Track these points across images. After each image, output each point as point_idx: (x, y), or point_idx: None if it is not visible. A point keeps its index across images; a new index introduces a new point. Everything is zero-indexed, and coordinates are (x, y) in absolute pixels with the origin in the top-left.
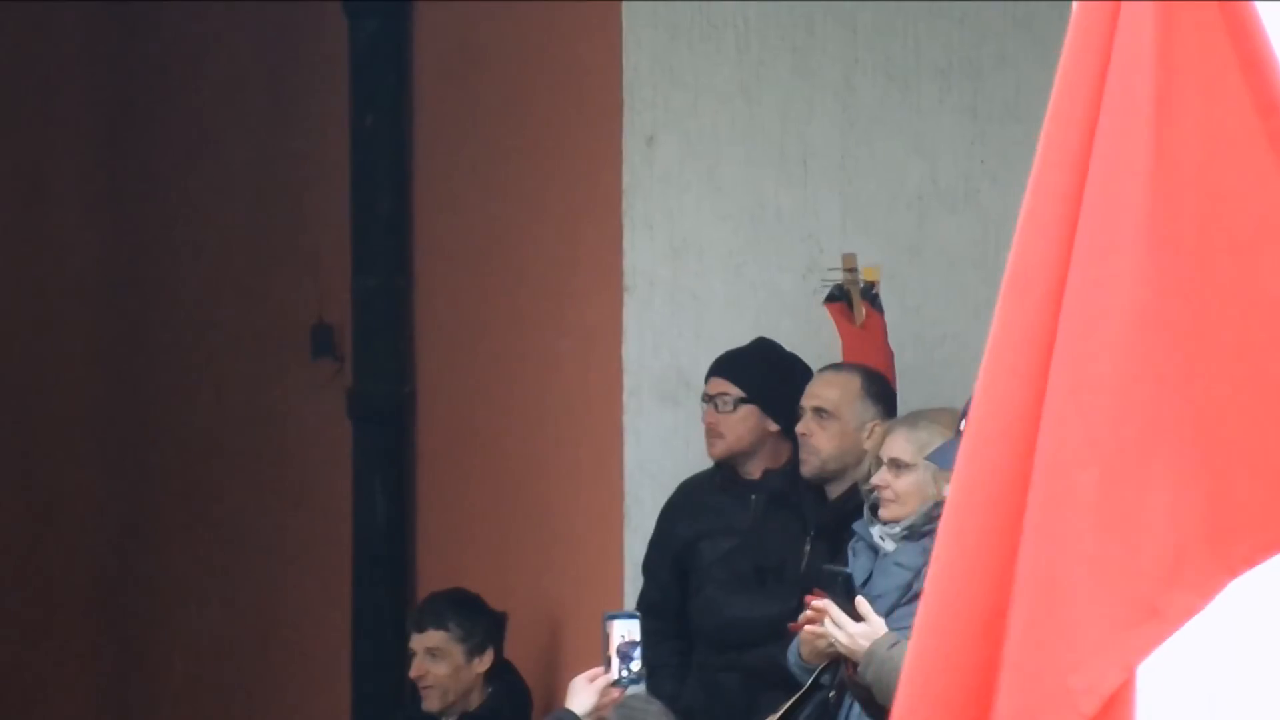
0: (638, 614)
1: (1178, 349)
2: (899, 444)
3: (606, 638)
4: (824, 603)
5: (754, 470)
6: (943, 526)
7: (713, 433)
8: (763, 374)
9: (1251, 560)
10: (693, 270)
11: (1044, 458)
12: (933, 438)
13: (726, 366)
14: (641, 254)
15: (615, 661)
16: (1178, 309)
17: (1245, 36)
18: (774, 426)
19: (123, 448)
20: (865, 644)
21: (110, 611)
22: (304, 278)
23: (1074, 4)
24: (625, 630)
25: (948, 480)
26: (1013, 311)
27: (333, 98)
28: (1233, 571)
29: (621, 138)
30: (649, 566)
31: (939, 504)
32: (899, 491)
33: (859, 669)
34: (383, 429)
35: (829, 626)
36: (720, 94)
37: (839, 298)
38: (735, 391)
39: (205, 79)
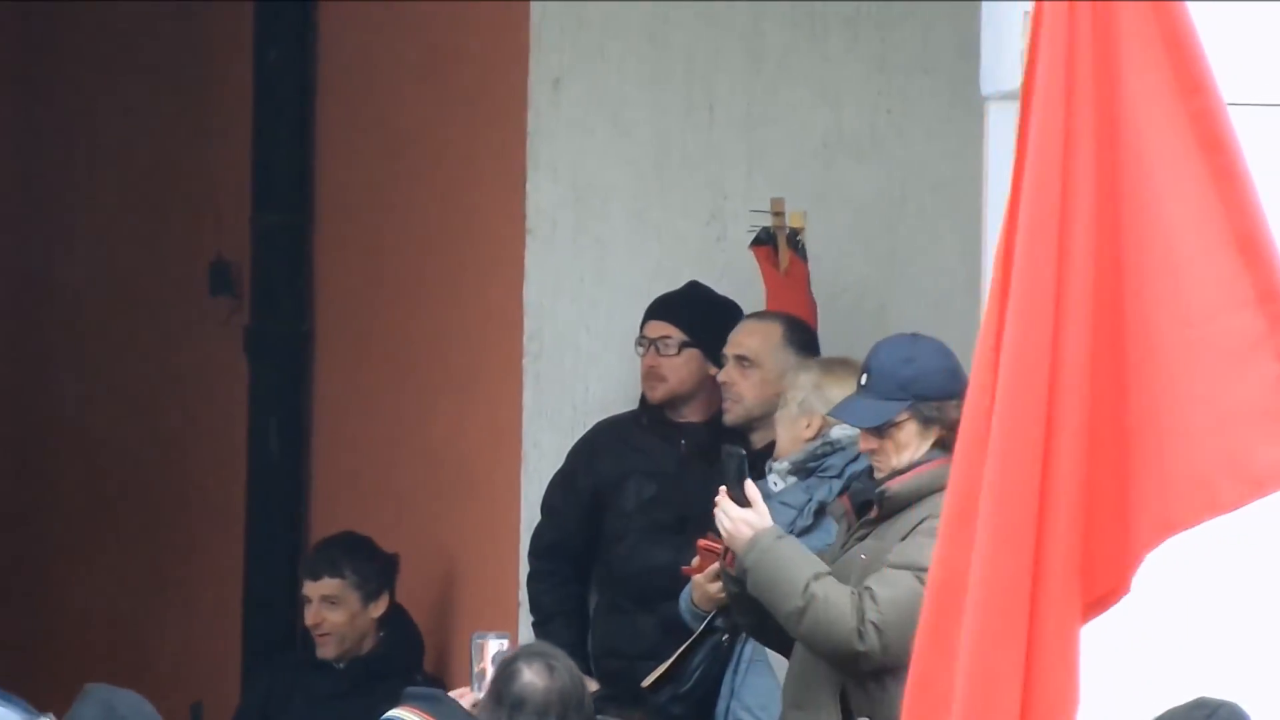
0: (507, 634)
1: (1116, 328)
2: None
3: (478, 656)
4: (719, 501)
5: (688, 414)
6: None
7: (654, 375)
8: (704, 317)
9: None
10: (596, 214)
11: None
12: (814, 378)
13: (668, 309)
14: (545, 197)
15: (487, 681)
16: (1120, 291)
17: (1171, 24)
18: (714, 370)
19: (17, 380)
20: (748, 531)
21: (2, 541)
22: (203, 214)
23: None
24: (496, 649)
25: (818, 420)
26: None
27: (236, 35)
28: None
29: (528, 80)
30: (552, 506)
31: (825, 443)
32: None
33: (739, 556)
34: (280, 367)
35: (716, 512)
36: (627, 38)
37: (765, 241)
38: (678, 334)
39: (107, 18)
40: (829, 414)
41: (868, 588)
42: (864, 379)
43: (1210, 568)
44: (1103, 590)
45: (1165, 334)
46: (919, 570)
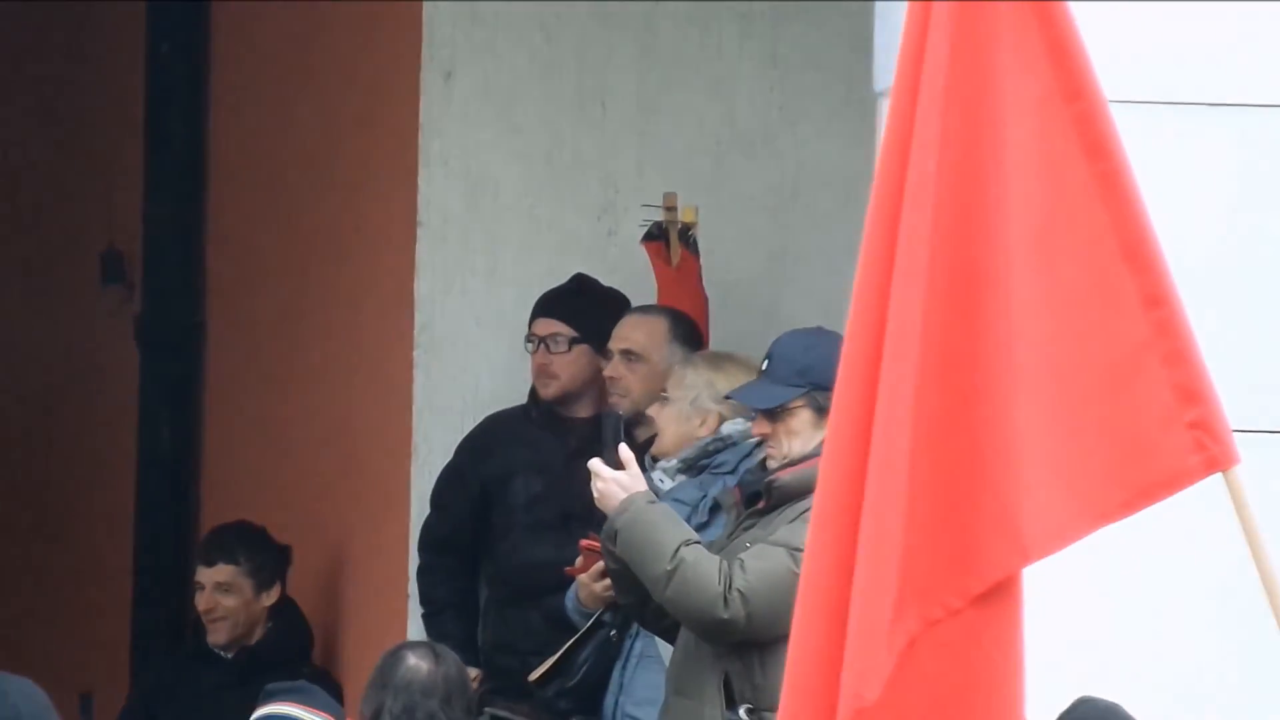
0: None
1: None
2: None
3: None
4: (592, 464)
5: (579, 410)
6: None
7: (545, 373)
8: (593, 313)
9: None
10: (487, 209)
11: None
12: (704, 375)
13: (555, 306)
14: (436, 190)
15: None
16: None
17: (1053, 26)
18: (604, 364)
19: None
20: (621, 493)
21: None
22: (95, 203)
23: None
24: None
25: (708, 412)
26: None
27: (128, 24)
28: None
29: (420, 72)
30: (442, 500)
31: (714, 440)
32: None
33: (611, 516)
34: (171, 357)
35: (592, 470)
36: (520, 32)
37: (657, 236)
38: (567, 331)
39: None
40: (727, 394)
41: (739, 559)
42: (765, 364)
43: (1093, 569)
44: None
45: (1049, 341)
46: (794, 549)
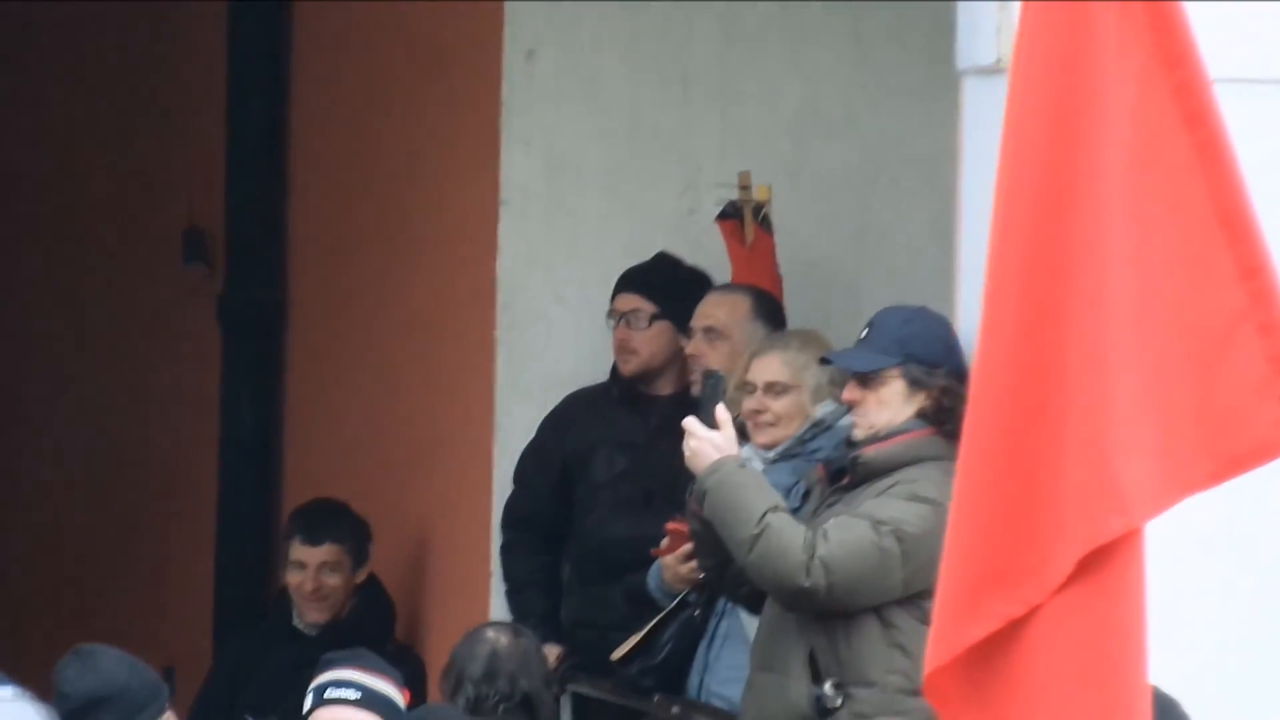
0: None
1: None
2: (774, 366)
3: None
4: (687, 422)
5: (661, 387)
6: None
7: (625, 349)
8: (674, 289)
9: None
10: (569, 187)
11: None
12: (809, 358)
13: (638, 282)
14: (518, 169)
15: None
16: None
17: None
18: (685, 342)
19: None
20: (714, 453)
21: None
22: (176, 182)
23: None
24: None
25: (823, 399)
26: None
27: (212, 5)
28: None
29: (502, 51)
30: (524, 477)
31: (813, 425)
32: (779, 413)
33: (700, 476)
34: (252, 336)
35: (686, 429)
36: (602, 11)
37: (731, 215)
38: (649, 307)
39: None
40: (824, 355)
41: (823, 528)
42: (864, 333)
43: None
44: (1068, 568)
45: (1145, 308)
46: (878, 521)
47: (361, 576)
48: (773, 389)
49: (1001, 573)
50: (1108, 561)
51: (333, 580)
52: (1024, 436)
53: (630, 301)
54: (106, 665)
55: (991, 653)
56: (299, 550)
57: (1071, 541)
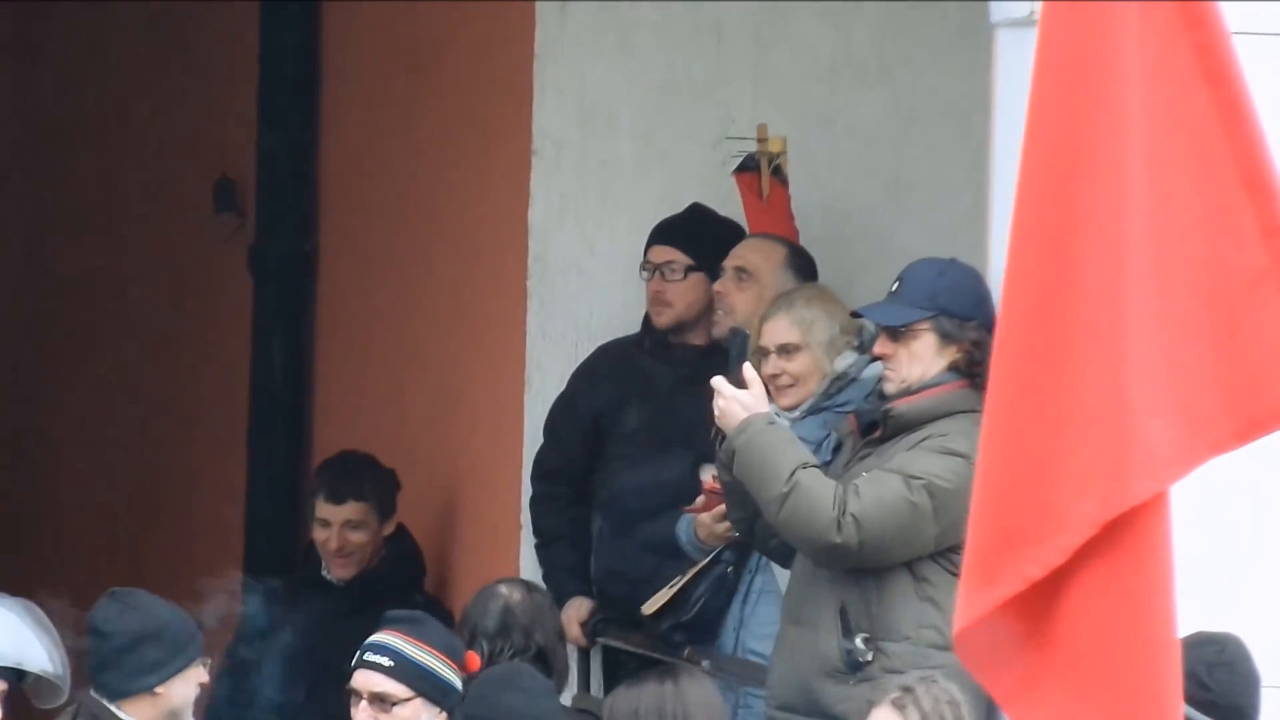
0: None
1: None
2: (783, 328)
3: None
4: (715, 381)
5: (693, 338)
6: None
7: (660, 301)
8: (709, 241)
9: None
10: (602, 137)
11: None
12: (816, 315)
13: (672, 234)
14: (551, 119)
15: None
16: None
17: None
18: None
19: (20, 296)
20: (742, 412)
21: (4, 460)
22: (208, 132)
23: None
24: None
25: (839, 351)
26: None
27: None
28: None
29: (535, 1)
30: (554, 429)
31: (835, 379)
32: (796, 374)
33: (729, 435)
34: (283, 286)
35: (714, 388)
36: None
37: (750, 168)
38: (683, 259)
39: None
40: (854, 310)
41: (854, 484)
42: (895, 286)
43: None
44: (1090, 530)
45: (1169, 271)
46: (909, 476)
47: (389, 529)
48: (785, 350)
49: (1023, 534)
50: (1135, 523)
51: (357, 537)
52: (1047, 397)
53: (664, 254)
54: (148, 604)
55: (1021, 613)
56: (324, 508)
57: (1094, 504)
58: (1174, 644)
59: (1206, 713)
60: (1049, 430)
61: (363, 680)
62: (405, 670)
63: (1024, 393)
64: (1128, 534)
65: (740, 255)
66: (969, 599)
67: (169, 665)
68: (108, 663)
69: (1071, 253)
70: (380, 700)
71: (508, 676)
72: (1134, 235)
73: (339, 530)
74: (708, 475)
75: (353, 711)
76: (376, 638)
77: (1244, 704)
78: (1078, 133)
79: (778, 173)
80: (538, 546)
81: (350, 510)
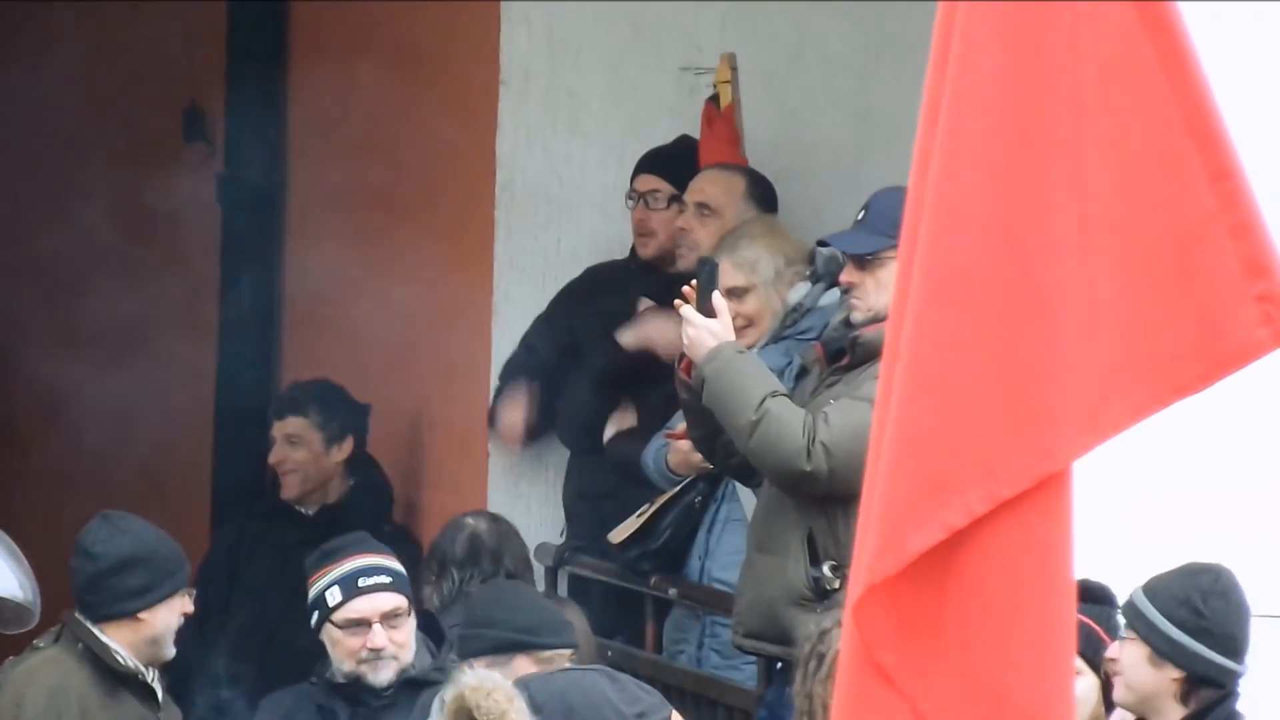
0: None
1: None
2: (728, 272)
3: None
4: (683, 310)
5: (681, 265)
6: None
7: (644, 230)
8: (694, 171)
9: (1118, 426)
10: (570, 66)
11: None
12: (757, 253)
13: (657, 163)
14: (519, 49)
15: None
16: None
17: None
18: None
19: None
20: (711, 340)
21: None
22: (177, 61)
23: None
24: None
25: (787, 283)
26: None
27: None
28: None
29: None
30: (530, 340)
31: (791, 311)
32: (750, 314)
33: (698, 363)
34: (252, 216)
35: (684, 317)
36: None
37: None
38: (667, 188)
39: None
40: (821, 239)
41: (824, 412)
42: (861, 215)
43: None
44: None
45: (1115, 215)
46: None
47: (341, 454)
48: (735, 294)
49: (946, 483)
50: (1045, 483)
51: (296, 454)
52: (983, 342)
53: (649, 182)
54: (138, 529)
55: (922, 578)
56: (272, 425)
57: (1029, 456)
58: (1072, 606)
59: (1200, 641)
60: (982, 376)
61: (371, 604)
62: (401, 582)
63: (959, 336)
64: (1037, 491)
65: (700, 189)
66: (887, 549)
67: (154, 591)
68: (94, 584)
69: (1014, 198)
70: (394, 617)
71: (505, 586)
72: (1081, 179)
73: (279, 445)
74: None
75: (353, 641)
76: (359, 563)
77: (1236, 633)
78: (1015, 78)
79: (714, 99)
80: (497, 393)
81: (289, 425)
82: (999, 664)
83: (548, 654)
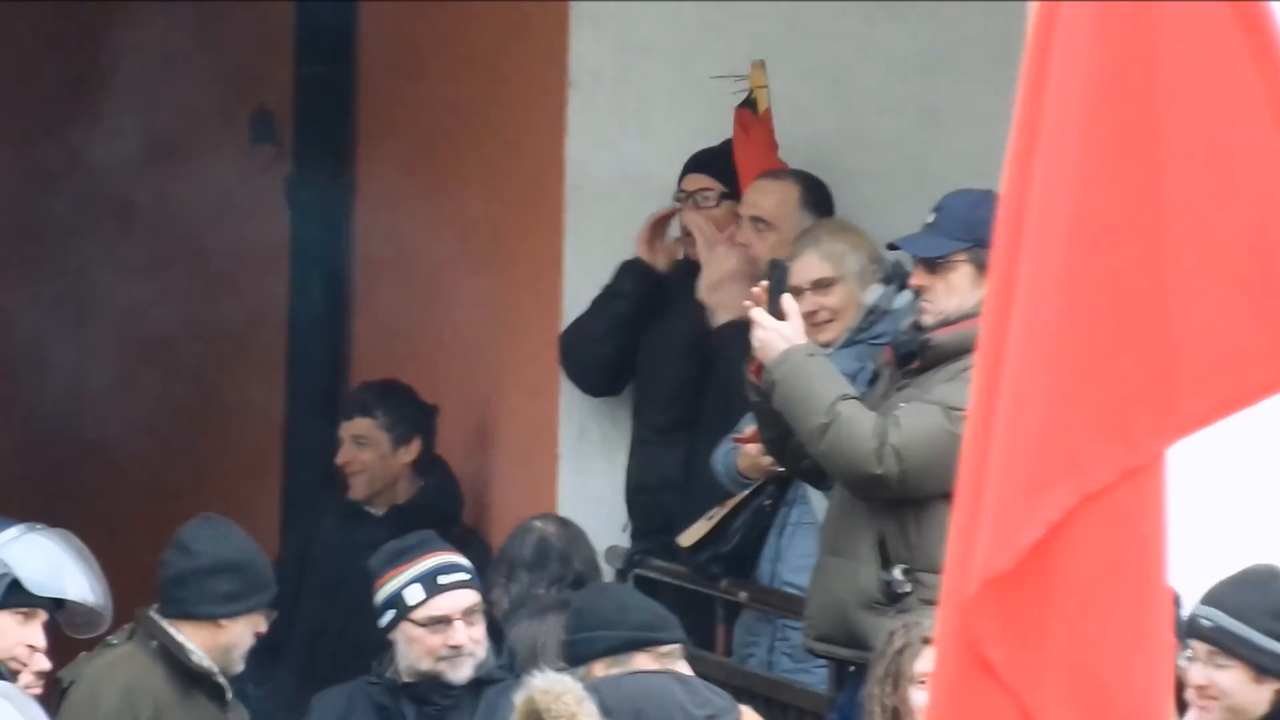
0: None
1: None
2: (814, 264)
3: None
4: (754, 312)
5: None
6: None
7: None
8: None
9: (1200, 421)
10: (639, 68)
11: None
12: (844, 247)
13: (707, 163)
14: (588, 50)
15: None
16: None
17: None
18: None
19: (50, 221)
20: (782, 343)
21: (39, 391)
22: (245, 64)
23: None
24: None
25: (869, 282)
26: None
27: None
28: (1179, 431)
29: None
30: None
31: (867, 314)
32: (834, 308)
33: (769, 366)
34: (321, 218)
35: (754, 319)
36: None
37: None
38: (717, 187)
39: None
40: (891, 242)
41: (894, 415)
42: (931, 217)
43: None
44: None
45: (1205, 212)
46: (950, 408)
47: (409, 455)
48: (820, 286)
49: (1047, 473)
50: (1137, 476)
51: (363, 455)
52: (1081, 337)
53: (698, 181)
54: (238, 536)
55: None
56: (340, 426)
57: (1117, 446)
58: (1166, 593)
59: None
60: (1073, 372)
61: (453, 601)
62: (475, 580)
63: (1061, 333)
64: (1127, 485)
65: (754, 204)
66: (1000, 544)
67: (241, 601)
68: (185, 580)
69: (1106, 192)
70: (472, 614)
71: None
72: (1171, 170)
73: (346, 446)
74: None
75: (434, 639)
76: (437, 561)
77: None
78: (1108, 77)
79: (747, 104)
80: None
81: (356, 426)
82: (1099, 658)
83: (666, 649)
